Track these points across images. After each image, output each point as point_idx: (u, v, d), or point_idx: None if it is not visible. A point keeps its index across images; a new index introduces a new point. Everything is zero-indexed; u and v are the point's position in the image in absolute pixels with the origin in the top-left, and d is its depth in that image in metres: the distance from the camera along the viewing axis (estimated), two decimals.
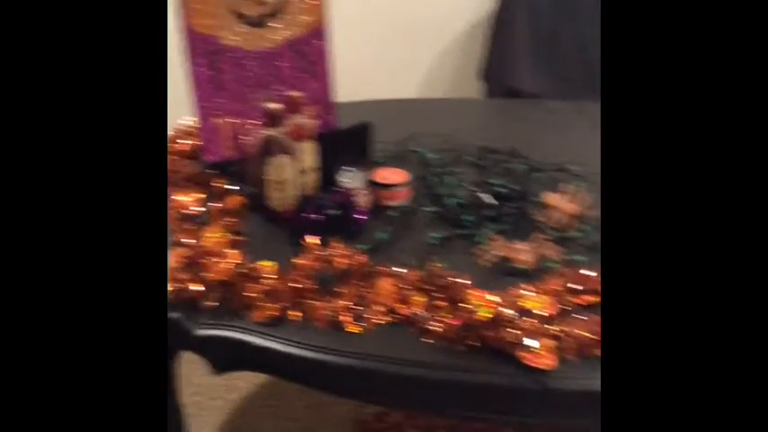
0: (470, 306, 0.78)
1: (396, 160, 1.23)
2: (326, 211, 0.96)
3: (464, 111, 1.67)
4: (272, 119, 0.97)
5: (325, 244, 0.90)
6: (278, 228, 0.99)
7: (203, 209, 1.01)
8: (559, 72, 1.99)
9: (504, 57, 1.99)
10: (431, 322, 0.79)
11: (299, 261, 0.86)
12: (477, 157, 1.26)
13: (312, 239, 0.90)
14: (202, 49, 1.05)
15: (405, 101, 1.72)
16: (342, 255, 0.87)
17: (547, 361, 0.72)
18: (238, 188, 1.06)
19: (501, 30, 2.04)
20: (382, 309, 0.82)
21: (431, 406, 0.81)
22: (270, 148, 0.97)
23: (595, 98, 2.03)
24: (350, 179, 1.04)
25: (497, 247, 0.93)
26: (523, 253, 0.91)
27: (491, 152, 1.28)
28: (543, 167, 1.21)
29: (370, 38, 2.17)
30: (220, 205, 1.01)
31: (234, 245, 0.92)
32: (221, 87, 1.08)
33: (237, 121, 1.11)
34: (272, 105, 0.97)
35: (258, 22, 1.06)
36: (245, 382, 1.56)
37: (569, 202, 1.03)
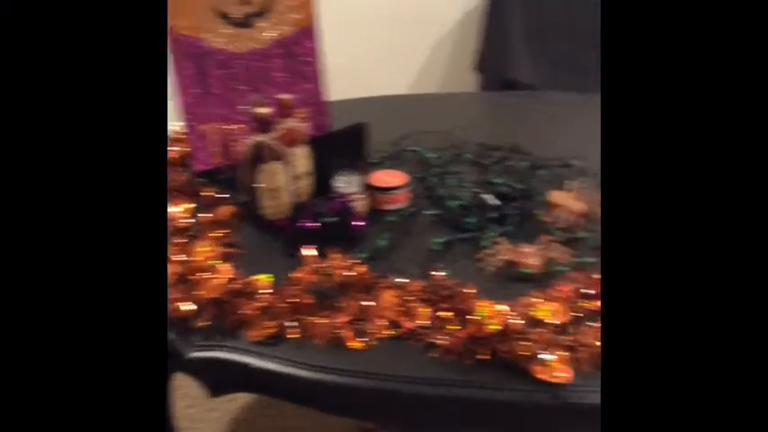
0: (478, 317, 0.74)
1: (392, 161, 1.19)
2: (323, 219, 0.92)
3: (460, 105, 1.63)
4: (263, 123, 0.93)
5: (322, 254, 0.85)
6: (272, 238, 0.95)
7: (193, 220, 0.96)
8: (554, 61, 1.94)
9: (499, 47, 1.95)
10: (437, 336, 0.75)
11: (296, 275, 0.82)
12: (477, 155, 1.21)
13: (308, 250, 0.85)
14: (186, 52, 1.00)
15: (397, 97, 1.67)
16: (340, 266, 0.83)
17: (563, 374, 0.68)
18: (229, 197, 1.02)
19: (495, 19, 2.00)
20: (385, 322, 0.78)
21: (442, 425, 0.77)
22: (261, 155, 0.92)
23: (589, 86, 2.00)
24: (345, 184, 0.99)
25: (502, 251, 0.88)
26: (530, 256, 0.87)
27: (491, 149, 1.23)
28: (546, 164, 1.16)
29: (358, 33, 2.12)
30: (210, 216, 0.97)
31: (226, 258, 0.88)
32: (208, 92, 1.04)
33: (226, 126, 1.07)
34: (262, 110, 0.92)
35: (244, 23, 1.01)
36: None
37: (576, 200, 0.99)
